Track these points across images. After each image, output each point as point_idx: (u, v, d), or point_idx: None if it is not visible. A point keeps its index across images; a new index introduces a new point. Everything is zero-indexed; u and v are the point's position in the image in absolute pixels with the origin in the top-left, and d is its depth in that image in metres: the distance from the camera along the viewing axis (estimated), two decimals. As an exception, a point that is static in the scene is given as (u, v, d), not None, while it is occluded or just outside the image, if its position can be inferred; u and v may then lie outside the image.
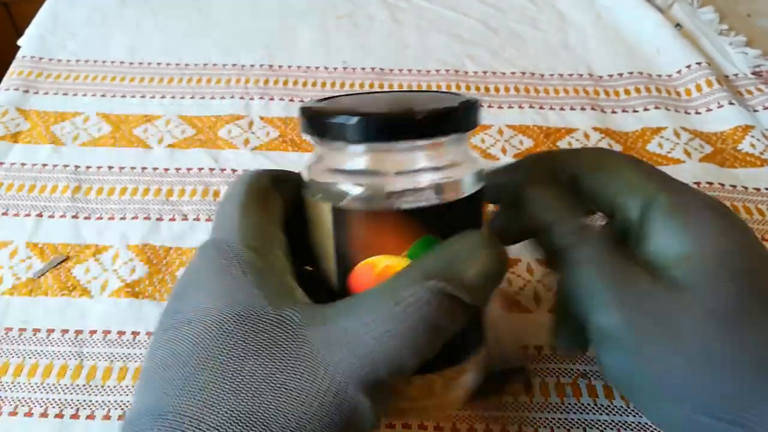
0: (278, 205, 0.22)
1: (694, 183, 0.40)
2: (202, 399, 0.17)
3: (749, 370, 0.19)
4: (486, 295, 0.20)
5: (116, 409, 0.29)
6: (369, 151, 0.20)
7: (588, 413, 0.28)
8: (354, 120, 0.19)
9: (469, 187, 0.20)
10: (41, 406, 0.29)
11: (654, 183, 0.22)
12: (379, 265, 0.20)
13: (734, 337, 0.19)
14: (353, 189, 0.20)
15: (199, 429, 0.17)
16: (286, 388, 0.17)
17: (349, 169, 0.20)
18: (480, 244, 0.19)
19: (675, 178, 0.23)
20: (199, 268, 0.21)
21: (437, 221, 0.20)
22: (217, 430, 0.17)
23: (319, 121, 0.20)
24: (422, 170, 0.20)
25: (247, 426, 0.17)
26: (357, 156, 0.20)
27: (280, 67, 0.50)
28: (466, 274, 0.19)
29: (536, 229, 0.23)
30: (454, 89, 0.48)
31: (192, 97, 0.47)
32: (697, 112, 0.46)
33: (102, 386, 0.30)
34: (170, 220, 0.38)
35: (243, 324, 0.18)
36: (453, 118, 0.20)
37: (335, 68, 0.50)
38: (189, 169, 0.41)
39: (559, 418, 0.28)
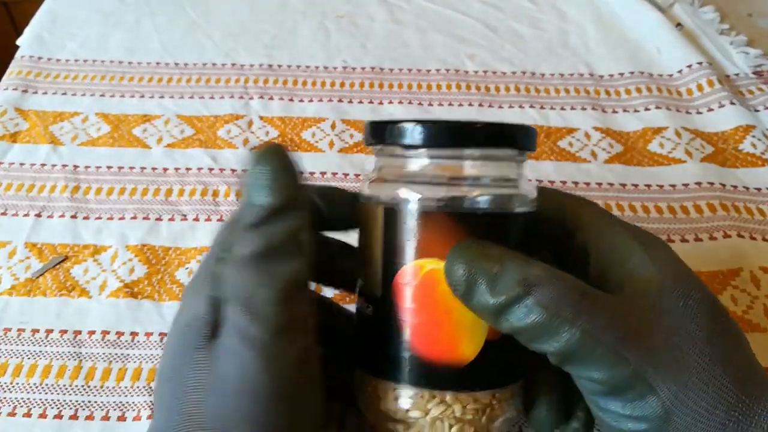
0: (306, 257, 0.20)
1: (696, 183, 0.40)
2: None
3: (742, 379, 0.19)
4: None
5: (115, 409, 0.29)
6: (428, 156, 0.21)
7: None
8: (416, 125, 0.20)
9: (521, 205, 0.21)
10: (40, 407, 0.29)
11: (614, 221, 0.22)
12: (426, 268, 0.20)
13: (717, 355, 0.19)
14: (409, 193, 0.20)
15: None
16: None
17: (407, 174, 0.21)
18: None
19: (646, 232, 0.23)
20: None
21: (486, 230, 0.20)
22: None
23: (384, 127, 0.21)
24: (477, 180, 0.21)
25: None
26: (416, 160, 0.21)
27: (279, 66, 0.50)
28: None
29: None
30: (454, 89, 0.48)
31: (191, 97, 0.47)
32: (698, 112, 0.46)
33: (101, 387, 0.30)
34: (169, 220, 0.38)
35: None
36: (510, 134, 0.21)
37: (335, 68, 0.50)
38: (188, 169, 0.41)
39: (560, 419, 0.28)
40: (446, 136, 0.20)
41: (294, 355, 0.19)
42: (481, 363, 0.20)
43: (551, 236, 0.23)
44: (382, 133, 0.21)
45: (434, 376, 0.20)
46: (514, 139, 0.21)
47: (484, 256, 0.19)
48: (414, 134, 0.20)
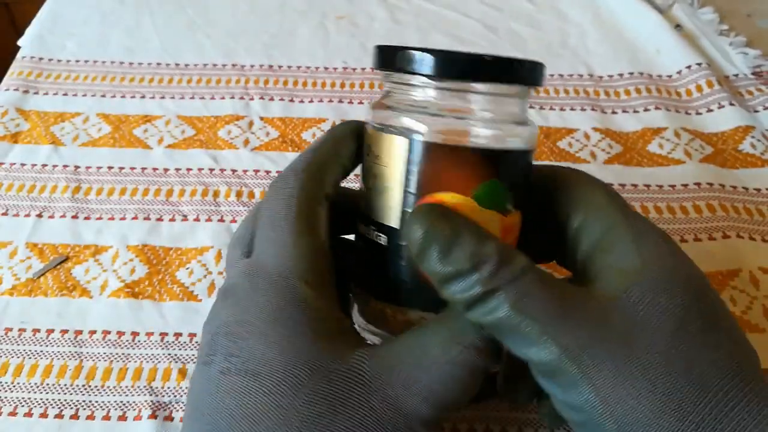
0: (326, 212, 0.22)
1: (695, 184, 0.40)
2: None
3: (707, 386, 0.17)
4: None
5: (116, 409, 0.29)
6: (447, 87, 0.21)
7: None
8: (435, 54, 0.20)
9: (531, 141, 0.22)
10: (41, 407, 0.29)
11: (616, 208, 0.22)
12: (446, 201, 0.20)
13: (680, 356, 0.18)
14: (430, 124, 0.21)
15: None
16: None
17: (424, 106, 0.21)
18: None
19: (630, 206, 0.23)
20: (254, 306, 0.20)
21: (507, 168, 0.21)
22: None
23: (398, 54, 0.21)
24: (499, 116, 0.21)
25: None
26: (433, 91, 0.21)
27: (279, 67, 0.50)
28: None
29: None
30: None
31: (192, 98, 0.47)
32: (698, 113, 0.46)
33: (102, 387, 0.30)
34: (170, 220, 0.38)
35: (316, 381, 0.18)
36: (522, 68, 0.21)
37: (335, 68, 0.50)
38: (189, 170, 0.41)
39: (560, 419, 0.28)
40: (464, 67, 0.20)
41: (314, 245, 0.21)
42: None
43: (548, 212, 0.23)
44: (395, 61, 0.21)
45: (446, 303, 0.21)
46: (526, 74, 0.21)
47: (442, 223, 0.19)
48: (433, 64, 0.20)
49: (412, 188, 0.21)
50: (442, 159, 0.21)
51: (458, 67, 0.20)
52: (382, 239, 0.22)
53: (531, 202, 0.23)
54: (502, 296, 0.18)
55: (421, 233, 0.19)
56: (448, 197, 0.20)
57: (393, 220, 0.22)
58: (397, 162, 0.21)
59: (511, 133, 0.21)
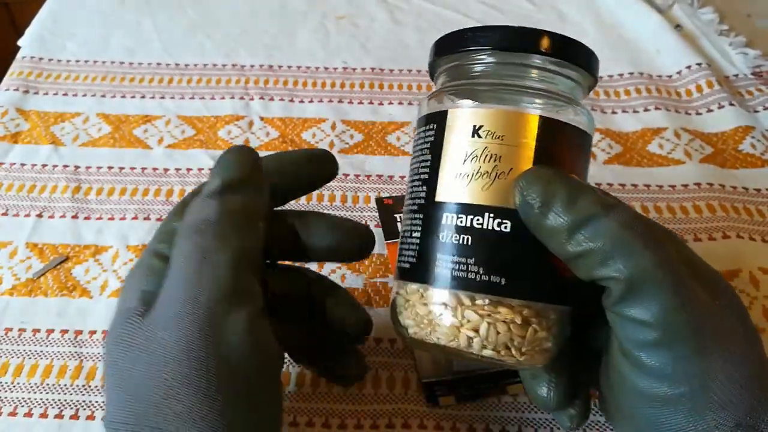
0: (258, 232, 0.22)
1: (695, 184, 0.40)
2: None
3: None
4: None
5: (116, 409, 0.29)
6: (503, 60, 0.22)
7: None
8: (493, 30, 0.21)
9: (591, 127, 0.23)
10: (41, 407, 0.29)
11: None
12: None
13: (756, 344, 0.20)
14: (552, 105, 0.22)
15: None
16: None
17: (543, 85, 0.22)
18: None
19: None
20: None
21: (581, 145, 0.22)
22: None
23: (458, 36, 0.22)
24: (578, 101, 0.23)
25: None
26: (489, 64, 0.22)
27: (279, 67, 0.50)
28: None
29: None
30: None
31: (192, 98, 0.47)
32: (698, 113, 0.46)
33: (102, 387, 0.30)
34: (170, 220, 0.38)
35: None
36: (586, 52, 0.23)
37: (335, 68, 0.50)
38: (189, 170, 0.41)
39: (559, 419, 0.28)
40: (526, 40, 0.21)
41: (241, 320, 0.19)
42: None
43: None
44: (456, 42, 0.22)
45: (570, 291, 0.21)
46: (589, 60, 0.23)
47: (561, 177, 0.20)
48: (495, 38, 0.21)
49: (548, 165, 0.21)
50: (568, 136, 0.21)
51: (583, 53, 0.23)
52: (506, 226, 0.20)
53: None
54: (641, 249, 0.18)
55: (541, 187, 0.19)
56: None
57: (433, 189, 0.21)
58: (527, 139, 0.21)
59: (589, 117, 0.23)
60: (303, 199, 0.39)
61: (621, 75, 0.49)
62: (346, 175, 0.41)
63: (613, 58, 0.51)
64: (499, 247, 0.20)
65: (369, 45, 0.53)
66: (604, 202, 0.19)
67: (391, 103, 0.47)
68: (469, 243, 0.21)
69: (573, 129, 0.21)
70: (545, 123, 0.21)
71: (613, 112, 0.46)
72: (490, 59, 0.22)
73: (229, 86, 0.48)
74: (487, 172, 0.21)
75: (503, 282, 0.20)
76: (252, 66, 0.50)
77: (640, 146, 0.43)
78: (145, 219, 0.38)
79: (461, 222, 0.21)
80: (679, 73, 0.49)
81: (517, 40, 0.21)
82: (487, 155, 0.21)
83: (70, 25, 0.54)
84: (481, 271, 0.20)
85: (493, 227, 0.20)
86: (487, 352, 0.20)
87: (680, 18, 0.54)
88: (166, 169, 0.41)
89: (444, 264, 0.21)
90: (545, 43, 0.21)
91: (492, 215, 0.20)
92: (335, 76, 0.49)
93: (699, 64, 0.48)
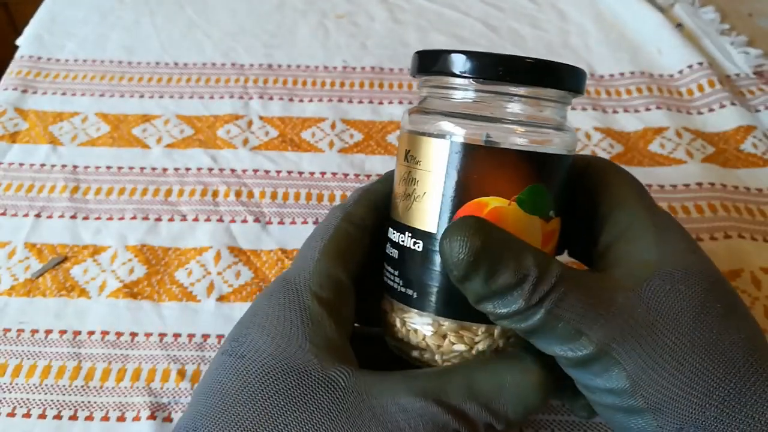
0: (361, 253, 0.24)
1: (696, 184, 0.40)
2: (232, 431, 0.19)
3: (730, 364, 0.19)
4: (518, 425, 0.21)
5: (115, 410, 0.29)
6: (489, 90, 0.21)
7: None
8: (477, 56, 0.20)
9: (571, 147, 0.22)
10: (39, 408, 0.29)
11: (642, 201, 0.23)
12: (490, 205, 0.20)
13: (712, 337, 0.19)
14: (471, 126, 0.20)
15: None
16: None
17: (464, 109, 0.21)
18: (532, 383, 0.20)
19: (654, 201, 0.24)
20: (266, 302, 0.22)
21: (550, 172, 0.21)
22: None
23: (439, 57, 0.21)
24: (540, 121, 0.21)
25: None
26: (474, 93, 0.21)
27: (279, 66, 0.50)
28: (510, 406, 0.20)
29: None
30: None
31: (191, 97, 0.47)
32: (699, 113, 0.45)
33: (100, 387, 0.30)
34: (169, 220, 0.38)
35: (289, 375, 0.20)
36: (566, 73, 0.21)
37: (335, 68, 0.50)
38: (188, 169, 0.41)
39: (560, 420, 0.28)
40: (515, 71, 0.20)
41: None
42: None
43: (579, 200, 0.24)
44: (430, 62, 0.21)
45: (477, 312, 0.21)
46: (568, 79, 0.21)
47: (486, 241, 0.19)
48: (472, 65, 0.20)
49: (453, 192, 0.21)
50: (485, 161, 0.20)
51: (501, 69, 0.20)
52: (419, 245, 0.22)
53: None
54: (541, 306, 0.19)
55: (465, 254, 0.19)
56: (491, 201, 0.20)
57: (431, 225, 0.21)
58: (438, 165, 0.21)
59: (553, 137, 0.21)
60: (303, 199, 0.39)
61: (622, 74, 0.49)
62: (346, 175, 0.41)
63: (614, 57, 0.51)
64: (413, 264, 0.22)
65: (369, 44, 0.53)
66: (517, 275, 0.19)
67: (391, 103, 0.47)
68: (396, 257, 0.23)
69: (503, 153, 0.20)
70: (457, 149, 0.20)
71: (614, 112, 0.46)
72: (427, 85, 0.23)
73: (228, 85, 0.48)
74: (409, 194, 0.22)
75: (415, 296, 0.22)
76: (251, 65, 0.50)
77: (642, 146, 0.43)
78: (143, 219, 0.38)
79: (393, 237, 0.23)
80: (680, 72, 0.49)
81: (445, 63, 0.21)
82: (410, 179, 0.22)
83: (68, 24, 0.54)
84: (400, 283, 0.22)
85: (410, 245, 0.22)
86: (415, 353, 0.23)
87: (681, 17, 0.54)
88: (165, 169, 0.41)
89: (384, 272, 0.23)
90: (465, 64, 0.20)
91: (410, 234, 0.22)
92: (335, 75, 0.49)
93: (700, 64, 0.48)
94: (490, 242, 0.19)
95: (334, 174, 0.41)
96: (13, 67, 0.50)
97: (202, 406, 0.20)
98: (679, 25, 0.53)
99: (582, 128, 0.44)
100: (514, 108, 0.21)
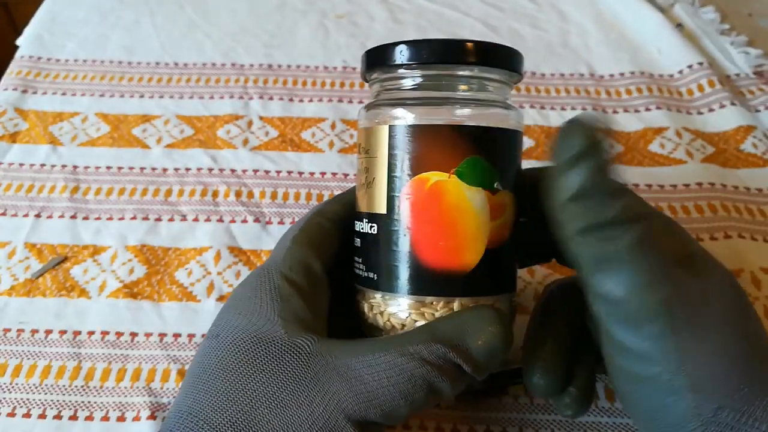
0: (334, 244, 0.25)
1: (696, 184, 0.40)
2: (212, 403, 0.20)
3: (759, 361, 0.19)
4: (486, 369, 0.21)
5: (114, 410, 0.29)
6: (425, 74, 0.22)
7: (589, 415, 0.28)
8: (408, 44, 0.22)
9: (514, 123, 0.23)
10: (39, 408, 0.29)
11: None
12: (431, 180, 0.21)
13: (746, 327, 0.20)
14: (410, 109, 0.22)
15: (204, 428, 0.19)
16: (283, 407, 0.19)
17: (402, 95, 0.23)
18: (491, 320, 0.20)
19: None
20: (241, 287, 0.24)
21: (491, 145, 0.22)
22: (217, 431, 0.19)
23: (376, 52, 0.23)
24: (470, 96, 0.22)
25: None
26: (409, 80, 0.22)
27: (279, 66, 0.50)
28: (472, 346, 0.20)
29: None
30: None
31: (191, 97, 0.47)
32: (699, 113, 0.45)
33: (100, 387, 0.30)
34: (169, 220, 0.38)
35: (258, 345, 0.21)
36: (504, 55, 0.23)
37: (335, 68, 0.50)
38: (188, 169, 0.41)
39: (560, 420, 0.28)
40: (438, 53, 0.22)
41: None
42: (482, 270, 0.22)
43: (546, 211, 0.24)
44: (374, 59, 0.23)
45: (441, 284, 0.22)
46: (507, 60, 0.23)
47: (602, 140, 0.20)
48: (406, 53, 0.22)
49: (398, 171, 0.22)
50: (422, 138, 0.21)
51: (437, 53, 0.22)
52: (374, 228, 0.23)
53: (528, 200, 0.23)
54: (632, 230, 0.19)
55: (590, 141, 0.20)
56: (432, 176, 0.21)
57: (382, 207, 0.22)
58: (381, 150, 0.22)
59: (490, 113, 0.22)
60: (303, 199, 0.39)
61: (622, 74, 0.49)
62: (346, 175, 0.41)
63: (614, 57, 0.51)
64: (371, 248, 0.23)
65: (369, 44, 0.52)
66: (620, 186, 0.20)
67: (391, 103, 0.47)
68: (359, 245, 0.24)
69: (438, 129, 0.22)
70: (394, 131, 0.22)
71: (614, 112, 0.46)
72: (372, 81, 0.24)
73: (228, 85, 0.48)
74: (363, 183, 0.23)
75: (375, 278, 0.23)
76: (251, 65, 0.50)
77: (642, 146, 0.43)
78: (143, 219, 0.38)
79: (356, 227, 0.24)
80: (680, 72, 0.49)
81: (381, 55, 0.23)
82: (363, 168, 0.23)
83: (68, 24, 0.54)
84: (363, 269, 0.24)
85: (367, 230, 0.23)
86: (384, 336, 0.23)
87: (681, 17, 0.54)
88: (164, 169, 0.41)
89: (353, 263, 0.24)
90: (404, 51, 0.22)
91: (367, 220, 0.23)
92: (335, 75, 0.49)
93: (700, 64, 0.48)
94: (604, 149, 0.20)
95: (334, 174, 0.41)
96: (13, 67, 0.50)
97: (186, 386, 0.21)
98: (679, 25, 0.53)
99: (582, 128, 0.44)
100: (451, 90, 0.22)
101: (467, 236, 0.21)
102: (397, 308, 0.22)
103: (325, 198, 0.39)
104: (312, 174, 0.41)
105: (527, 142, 0.43)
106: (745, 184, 0.40)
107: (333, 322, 0.24)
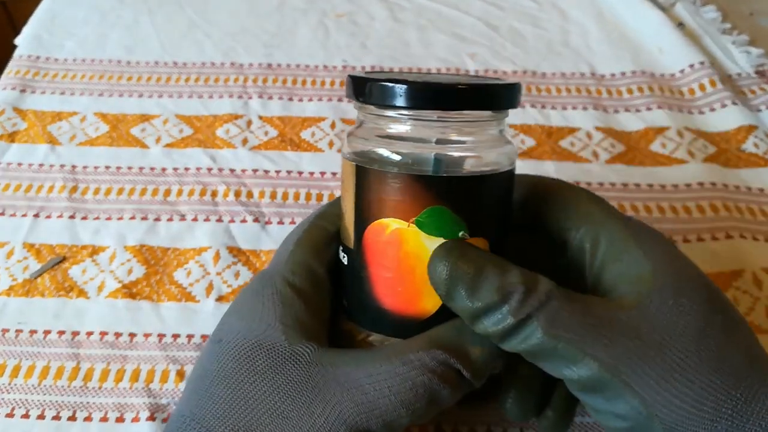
0: (336, 247, 0.24)
1: (698, 184, 0.39)
2: (213, 410, 0.20)
3: (738, 376, 0.18)
4: (485, 375, 0.21)
5: (113, 411, 0.29)
6: (400, 115, 0.21)
7: (589, 416, 0.28)
8: (388, 84, 0.20)
9: (493, 165, 0.21)
10: (38, 408, 0.29)
11: (610, 215, 0.23)
12: (390, 227, 0.21)
13: (710, 352, 0.19)
14: (380, 152, 0.21)
15: None
16: (284, 417, 0.19)
17: (381, 132, 0.22)
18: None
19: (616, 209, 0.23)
20: (243, 293, 0.24)
21: (451, 193, 0.20)
22: None
23: (358, 83, 0.21)
24: (449, 141, 0.21)
25: None
26: (389, 118, 0.21)
27: (278, 65, 0.50)
28: (473, 352, 0.20)
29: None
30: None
31: (190, 97, 0.47)
32: (701, 112, 0.45)
33: (99, 388, 0.29)
34: (168, 220, 0.38)
35: (258, 352, 0.21)
36: (488, 94, 0.20)
37: (334, 67, 0.50)
38: (187, 169, 0.41)
39: (561, 422, 0.28)
40: (419, 97, 0.20)
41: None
42: (442, 317, 0.21)
43: (538, 228, 0.24)
44: (356, 90, 0.22)
45: (397, 326, 0.22)
46: (492, 100, 0.21)
47: (464, 261, 0.20)
48: (387, 93, 0.20)
49: (361, 213, 0.21)
50: (380, 184, 0.21)
51: (393, 96, 0.20)
52: (345, 259, 0.23)
53: (516, 222, 0.23)
54: (534, 323, 0.19)
55: (446, 274, 0.20)
56: (391, 222, 0.21)
57: (350, 241, 0.22)
58: (350, 185, 0.22)
59: (468, 158, 0.21)
60: (302, 199, 0.39)
61: (623, 74, 0.49)
62: (346, 175, 0.41)
63: (615, 56, 0.51)
64: (345, 276, 0.23)
65: (369, 43, 0.52)
66: (502, 290, 0.19)
67: (391, 102, 0.47)
68: (339, 271, 0.24)
69: (400, 177, 0.20)
70: (359, 171, 0.21)
71: (616, 111, 0.46)
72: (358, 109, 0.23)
73: (227, 85, 0.48)
74: (339, 214, 0.24)
75: (347, 305, 0.24)
76: (251, 64, 0.50)
77: (643, 145, 0.43)
78: (142, 219, 0.37)
79: (339, 254, 0.24)
80: (681, 71, 0.48)
81: (348, 86, 0.22)
82: (341, 199, 0.23)
83: (67, 23, 0.54)
84: (341, 294, 0.24)
85: (342, 259, 0.23)
86: None
87: (683, 16, 0.54)
88: (164, 169, 0.41)
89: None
90: (365, 90, 0.21)
91: (342, 249, 0.23)
92: (335, 74, 0.49)
93: (702, 63, 0.48)
94: (467, 260, 0.20)
95: (334, 174, 0.41)
96: (11, 67, 0.49)
97: (188, 392, 0.21)
98: (681, 25, 0.53)
99: (583, 128, 0.44)
100: (427, 133, 0.21)
101: (425, 285, 0.21)
102: (368, 335, 0.23)
103: (325, 198, 0.39)
104: (312, 174, 0.41)
105: (528, 142, 0.43)
106: (746, 184, 0.40)
107: (335, 324, 0.24)
